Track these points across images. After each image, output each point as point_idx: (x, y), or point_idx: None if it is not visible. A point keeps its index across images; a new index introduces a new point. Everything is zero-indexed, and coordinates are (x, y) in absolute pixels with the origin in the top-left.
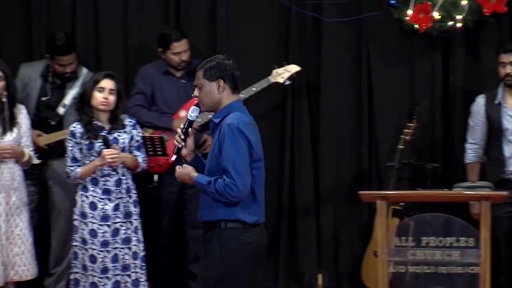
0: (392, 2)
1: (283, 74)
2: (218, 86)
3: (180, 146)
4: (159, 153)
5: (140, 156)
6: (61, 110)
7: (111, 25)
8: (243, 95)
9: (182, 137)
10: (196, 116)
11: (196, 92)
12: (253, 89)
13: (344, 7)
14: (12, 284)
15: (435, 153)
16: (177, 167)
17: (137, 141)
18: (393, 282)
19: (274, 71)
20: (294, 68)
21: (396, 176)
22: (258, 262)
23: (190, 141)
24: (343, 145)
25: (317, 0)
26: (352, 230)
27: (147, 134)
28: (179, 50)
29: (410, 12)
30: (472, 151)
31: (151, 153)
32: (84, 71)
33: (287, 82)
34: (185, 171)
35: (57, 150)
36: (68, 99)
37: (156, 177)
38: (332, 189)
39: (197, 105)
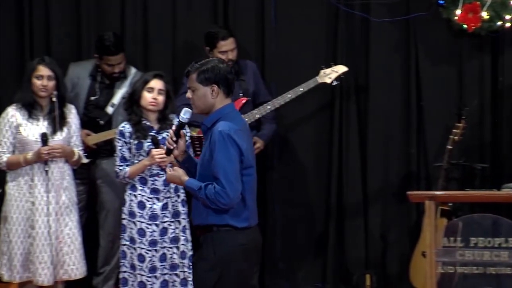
0: (441, 2)
1: (330, 74)
2: (212, 91)
3: (171, 147)
4: None
5: None
6: (109, 110)
7: (160, 24)
8: (290, 95)
9: (174, 138)
10: (188, 118)
11: (189, 94)
12: (300, 89)
13: (393, 7)
14: (62, 283)
15: (483, 153)
16: (168, 169)
17: (186, 141)
18: (441, 282)
19: (322, 72)
20: (341, 69)
21: (444, 177)
22: (251, 263)
23: (181, 142)
24: (391, 145)
25: (365, 0)
26: (400, 230)
27: (194, 134)
28: (226, 49)
29: (458, 12)
30: None
31: (198, 152)
32: (133, 70)
33: (335, 83)
34: (176, 174)
35: (106, 149)
36: (117, 98)
37: None
38: (380, 189)
39: (190, 106)
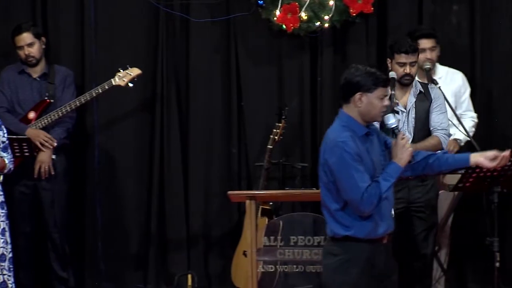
0: (260, 2)
1: (124, 77)
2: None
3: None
4: (26, 154)
5: (7, 157)
6: None
7: None
8: (86, 97)
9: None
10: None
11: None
12: (95, 91)
13: (213, 7)
14: None
15: (304, 152)
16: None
17: (3, 142)
18: (262, 281)
19: (117, 74)
20: (135, 71)
21: (265, 176)
22: None
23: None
24: (214, 145)
25: (186, 0)
26: (222, 230)
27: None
28: (21, 44)
29: (278, 12)
30: None
31: (18, 154)
32: None
33: (130, 85)
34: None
35: None
36: None
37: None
38: (202, 189)
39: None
